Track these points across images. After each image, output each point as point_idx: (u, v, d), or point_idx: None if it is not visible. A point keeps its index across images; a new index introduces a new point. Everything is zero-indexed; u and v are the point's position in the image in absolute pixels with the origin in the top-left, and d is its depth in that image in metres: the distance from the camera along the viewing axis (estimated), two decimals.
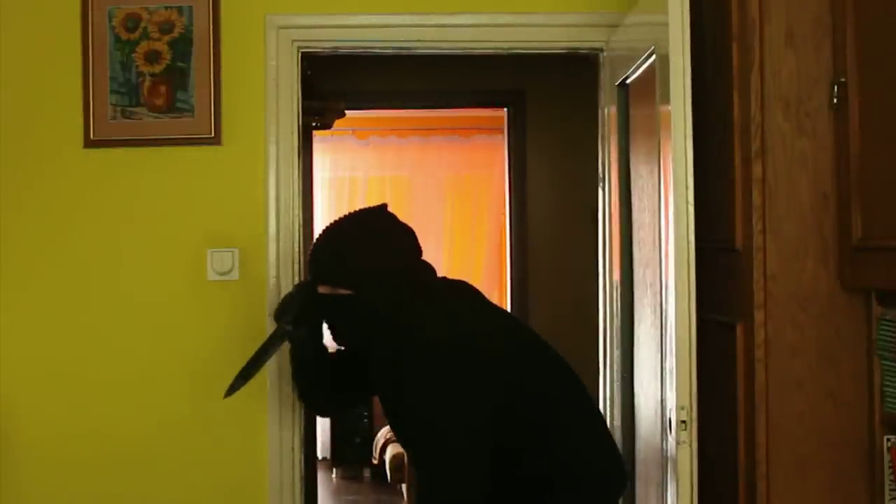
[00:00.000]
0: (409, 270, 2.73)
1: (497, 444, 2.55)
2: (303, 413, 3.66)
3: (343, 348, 2.96)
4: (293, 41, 3.66)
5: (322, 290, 2.76)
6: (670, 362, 2.83)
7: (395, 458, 7.11)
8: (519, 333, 2.82)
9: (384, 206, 2.84)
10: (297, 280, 3.63)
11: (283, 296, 3.10)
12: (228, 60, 3.63)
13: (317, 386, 3.05)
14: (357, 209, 2.85)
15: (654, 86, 2.98)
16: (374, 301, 2.69)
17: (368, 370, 2.86)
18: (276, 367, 3.59)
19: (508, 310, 6.34)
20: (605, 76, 3.74)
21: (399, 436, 2.79)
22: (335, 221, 2.80)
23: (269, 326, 3.59)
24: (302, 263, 3.69)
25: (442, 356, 2.53)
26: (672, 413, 2.80)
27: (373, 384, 2.85)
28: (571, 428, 2.68)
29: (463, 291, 2.82)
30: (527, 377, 2.64)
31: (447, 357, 2.53)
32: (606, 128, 3.75)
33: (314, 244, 2.79)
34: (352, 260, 2.70)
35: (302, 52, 3.70)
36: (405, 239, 2.77)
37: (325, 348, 3.00)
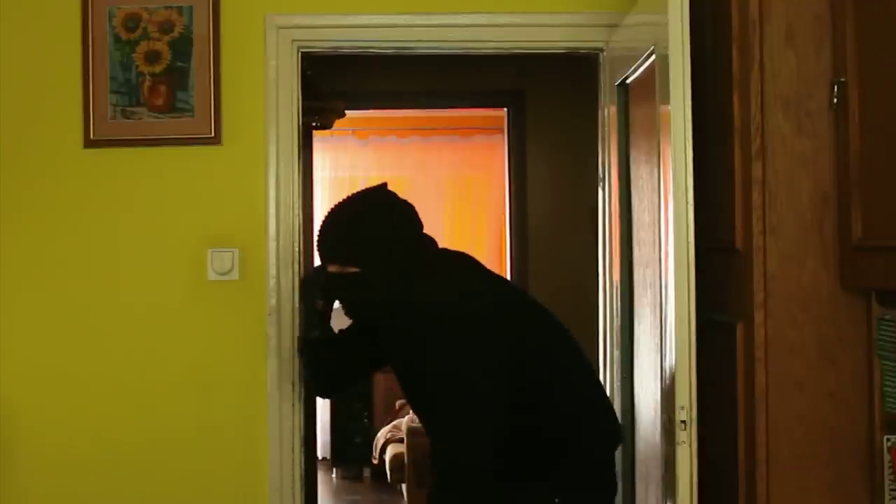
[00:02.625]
0: (412, 243, 2.89)
1: (511, 401, 2.71)
2: (303, 413, 3.66)
3: (349, 326, 3.13)
4: (293, 41, 3.66)
5: (332, 269, 2.89)
6: (670, 362, 2.83)
7: (395, 458, 7.10)
8: (518, 296, 3.06)
9: (384, 184, 2.98)
10: (297, 280, 3.63)
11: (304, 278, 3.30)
12: (228, 60, 3.63)
13: (324, 365, 3.22)
14: (358, 190, 2.98)
15: (654, 86, 2.98)
16: (382, 275, 2.83)
17: (379, 343, 3.00)
18: (277, 368, 3.59)
19: None
20: (605, 76, 3.74)
21: (417, 402, 2.95)
22: (339, 203, 2.93)
23: (270, 326, 3.61)
24: (302, 263, 3.69)
25: (454, 313, 2.74)
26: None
27: (387, 355, 2.99)
28: (574, 386, 2.88)
29: (464, 260, 3.00)
30: (528, 334, 2.84)
31: (460, 314, 2.73)
32: (606, 128, 3.74)
33: (321, 227, 2.91)
34: (357, 238, 2.83)
35: (302, 52, 3.70)
36: (406, 214, 2.91)
37: (330, 328, 3.22)
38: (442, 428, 2.76)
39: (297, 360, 3.60)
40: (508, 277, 6.59)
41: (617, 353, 3.66)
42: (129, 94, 3.60)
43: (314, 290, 3.17)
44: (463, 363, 2.68)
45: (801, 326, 2.78)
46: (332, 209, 2.94)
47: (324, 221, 2.92)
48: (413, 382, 2.92)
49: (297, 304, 3.63)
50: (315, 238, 2.95)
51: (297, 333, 3.61)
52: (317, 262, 3.09)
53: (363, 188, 3.00)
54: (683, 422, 2.73)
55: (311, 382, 3.45)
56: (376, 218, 2.87)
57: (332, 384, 3.36)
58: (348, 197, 2.95)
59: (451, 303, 2.77)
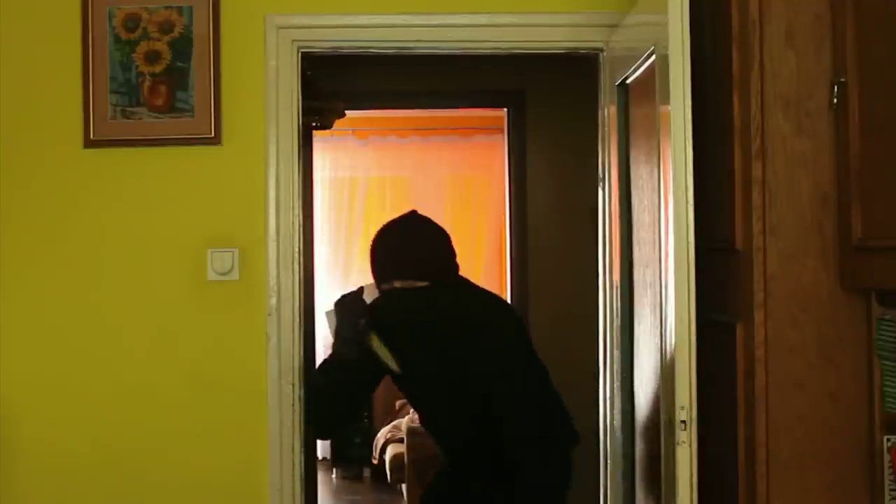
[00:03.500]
0: (455, 261, 3.40)
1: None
2: (303, 413, 3.65)
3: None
4: (293, 41, 3.66)
5: (398, 284, 3.28)
6: (670, 362, 2.83)
7: (395, 458, 7.11)
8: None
9: (414, 211, 3.43)
10: (297, 279, 3.63)
11: (334, 328, 3.44)
12: (228, 60, 3.63)
13: (351, 388, 3.45)
14: (401, 216, 3.42)
15: (654, 86, 2.98)
16: (442, 288, 3.30)
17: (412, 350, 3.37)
18: (277, 368, 3.59)
19: None
20: (605, 76, 3.74)
21: (459, 402, 3.41)
22: (389, 226, 3.38)
23: (270, 326, 3.60)
24: (301, 263, 3.69)
25: (492, 321, 3.38)
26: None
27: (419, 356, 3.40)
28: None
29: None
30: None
31: (500, 321, 3.40)
32: (606, 128, 3.74)
33: (381, 247, 3.34)
34: (426, 258, 3.31)
35: (302, 52, 3.70)
36: (448, 236, 3.39)
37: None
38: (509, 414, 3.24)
39: (297, 361, 3.60)
40: (508, 278, 6.61)
41: (617, 353, 3.65)
42: (129, 94, 3.60)
43: (353, 313, 3.36)
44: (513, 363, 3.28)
45: (801, 326, 2.78)
46: (383, 233, 3.36)
47: (381, 243, 3.34)
48: (454, 381, 3.31)
49: (297, 304, 3.63)
50: (378, 256, 3.33)
51: (298, 335, 3.61)
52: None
53: (405, 214, 3.40)
54: (683, 422, 2.73)
55: (333, 412, 3.53)
56: (438, 240, 3.35)
57: (354, 409, 3.62)
58: (397, 219, 3.38)
59: (491, 312, 3.37)
